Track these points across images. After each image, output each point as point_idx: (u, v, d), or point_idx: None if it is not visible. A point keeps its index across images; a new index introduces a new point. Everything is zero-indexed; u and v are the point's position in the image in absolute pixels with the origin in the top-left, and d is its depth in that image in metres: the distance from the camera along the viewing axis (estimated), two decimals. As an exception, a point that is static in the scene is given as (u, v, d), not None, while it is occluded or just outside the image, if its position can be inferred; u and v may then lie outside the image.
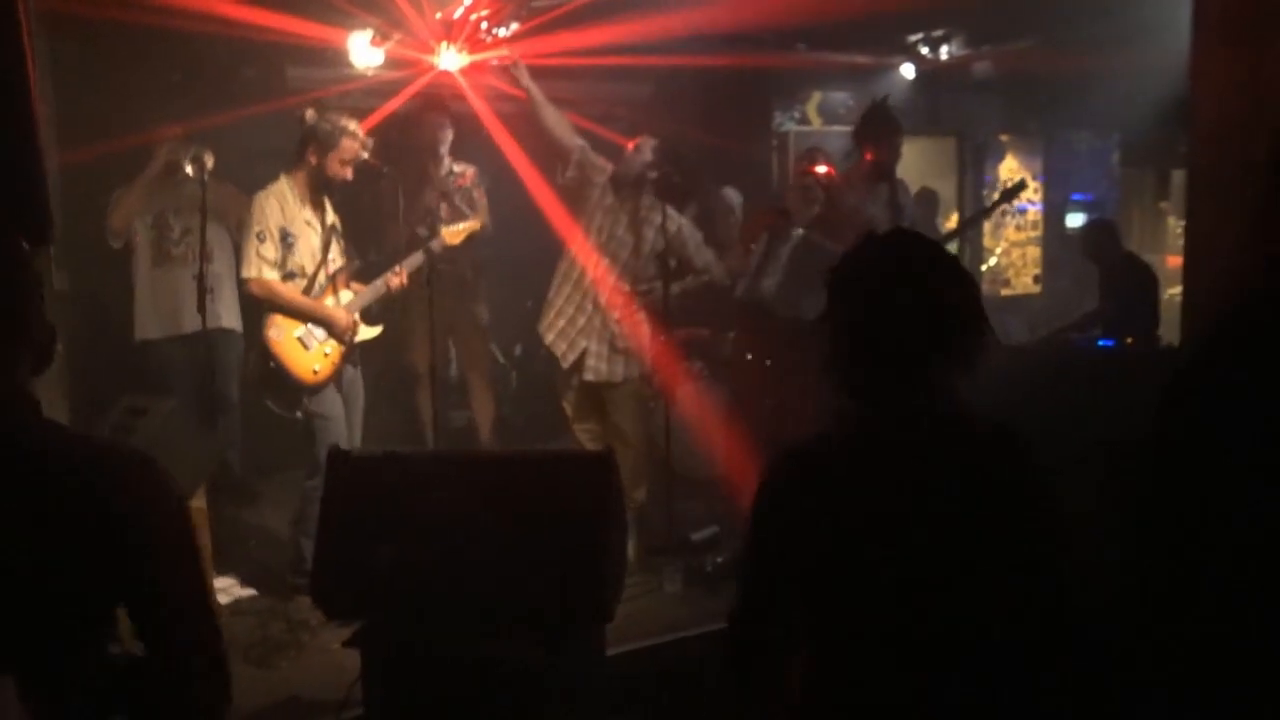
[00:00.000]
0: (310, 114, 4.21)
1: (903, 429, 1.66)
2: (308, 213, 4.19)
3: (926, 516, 1.61)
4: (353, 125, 4.18)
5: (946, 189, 7.93)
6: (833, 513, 1.65)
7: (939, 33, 6.93)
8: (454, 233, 4.68)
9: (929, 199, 7.11)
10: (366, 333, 4.34)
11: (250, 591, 4.27)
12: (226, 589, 4.24)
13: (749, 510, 1.75)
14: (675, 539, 4.56)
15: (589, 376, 4.63)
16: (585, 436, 4.76)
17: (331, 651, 3.62)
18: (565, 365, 4.65)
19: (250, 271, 4.06)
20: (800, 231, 5.06)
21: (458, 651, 2.72)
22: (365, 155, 4.25)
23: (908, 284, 1.65)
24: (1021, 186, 5.44)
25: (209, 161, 4.45)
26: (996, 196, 5.70)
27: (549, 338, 4.68)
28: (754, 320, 5.20)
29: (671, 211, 4.64)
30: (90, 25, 4.90)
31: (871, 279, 1.69)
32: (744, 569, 1.81)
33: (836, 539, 1.65)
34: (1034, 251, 8.51)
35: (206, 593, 1.60)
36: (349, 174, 4.20)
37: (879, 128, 5.07)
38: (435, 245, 4.61)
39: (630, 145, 4.68)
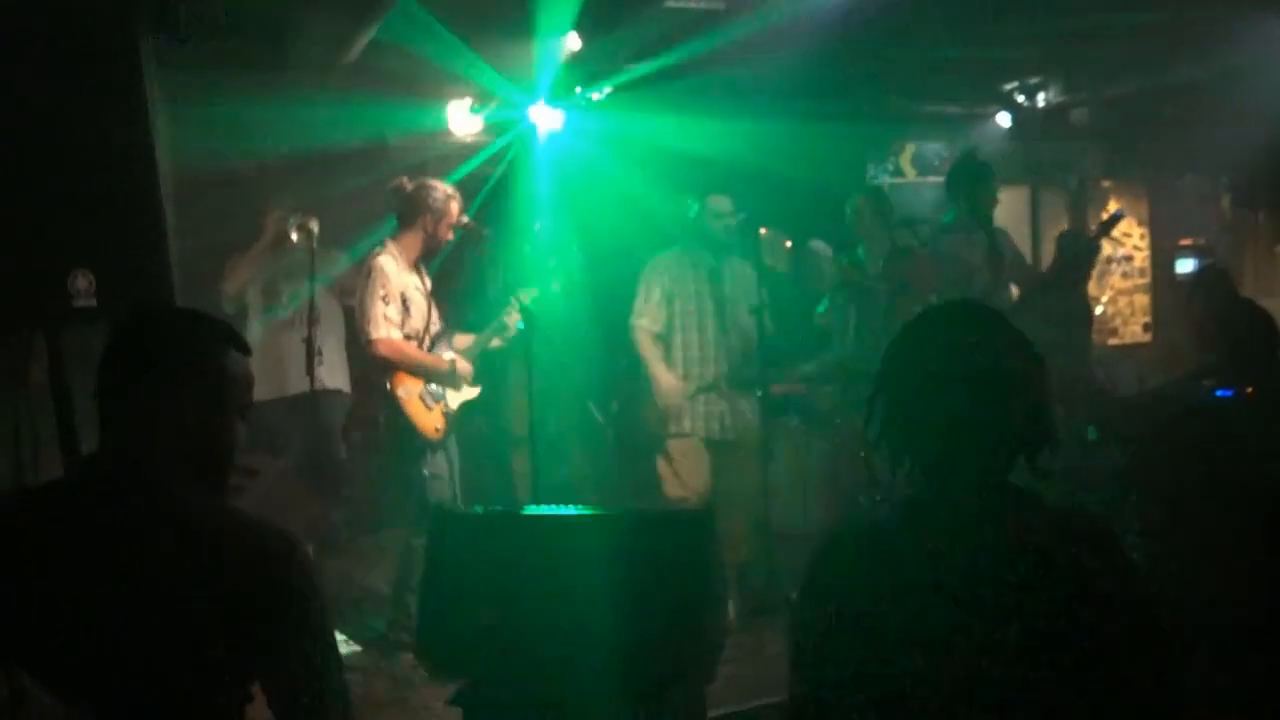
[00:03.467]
0: (407, 184, 4.34)
1: (956, 513, 1.52)
2: (415, 278, 4.33)
3: (984, 607, 1.46)
4: (452, 189, 4.35)
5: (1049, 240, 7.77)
6: (879, 604, 1.50)
7: (1035, 80, 6.83)
8: (524, 295, 4.67)
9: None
10: (467, 393, 4.41)
11: (355, 648, 4.32)
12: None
13: (797, 599, 1.62)
14: (776, 598, 4.48)
15: (729, 436, 4.68)
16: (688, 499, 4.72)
17: (434, 709, 3.63)
18: (712, 435, 4.67)
19: (379, 332, 4.16)
20: (882, 287, 5.06)
21: (558, 712, 2.70)
22: (465, 219, 4.37)
23: (966, 361, 1.53)
24: (1117, 218, 5.31)
25: (315, 228, 4.62)
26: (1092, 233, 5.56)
27: (697, 424, 4.66)
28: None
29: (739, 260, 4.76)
30: (206, 100, 5.15)
31: (928, 355, 1.57)
32: (793, 664, 1.61)
33: (883, 631, 1.49)
34: (1142, 299, 8.25)
35: (340, 668, 1.65)
36: (451, 236, 4.35)
37: (970, 176, 5.02)
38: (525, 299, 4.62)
39: (712, 204, 4.69)
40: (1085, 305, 6.70)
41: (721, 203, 4.71)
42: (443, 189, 4.31)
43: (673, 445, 4.69)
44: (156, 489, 1.56)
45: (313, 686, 1.59)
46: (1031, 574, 1.47)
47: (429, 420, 4.22)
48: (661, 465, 4.75)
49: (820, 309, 5.15)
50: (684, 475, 4.67)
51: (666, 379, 4.69)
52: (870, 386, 1.62)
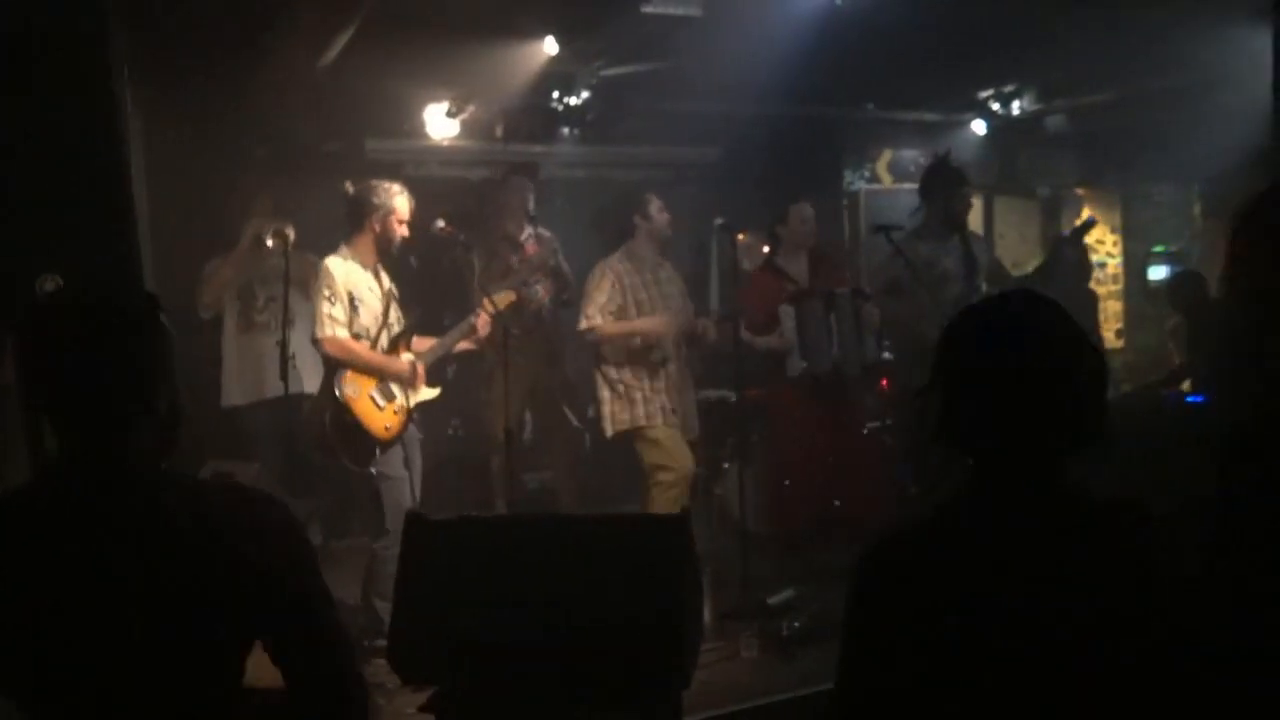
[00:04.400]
0: (351, 187, 4.34)
1: (1027, 512, 1.49)
2: (369, 279, 4.33)
3: (1062, 612, 1.43)
4: (398, 186, 4.34)
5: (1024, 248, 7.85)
6: (948, 610, 1.45)
7: (1010, 88, 6.88)
8: (498, 299, 4.63)
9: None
10: (426, 393, 4.41)
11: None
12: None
13: (845, 609, 1.55)
14: (751, 603, 4.49)
15: (691, 435, 4.92)
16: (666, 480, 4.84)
17: (407, 716, 3.61)
18: (687, 434, 4.88)
19: (324, 331, 4.18)
20: (845, 291, 5.10)
21: (533, 717, 2.70)
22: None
23: (1037, 353, 1.49)
24: (1090, 224, 5.34)
25: (291, 235, 4.64)
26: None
27: (654, 418, 4.82)
28: (807, 387, 5.17)
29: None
30: (182, 105, 5.13)
31: (997, 345, 1.52)
32: (842, 680, 1.55)
33: (953, 641, 1.45)
34: (1115, 305, 8.32)
35: (339, 619, 1.67)
36: (407, 231, 4.35)
37: (944, 181, 5.06)
38: (497, 301, 4.60)
39: (653, 209, 4.88)
40: (1087, 300, 6.76)
41: (656, 201, 4.90)
42: (386, 186, 4.30)
43: (649, 433, 4.84)
44: (139, 474, 1.55)
45: (318, 641, 1.61)
46: (1089, 568, 1.46)
47: (379, 419, 4.21)
48: (646, 450, 4.87)
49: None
50: (671, 454, 4.84)
51: (646, 322, 4.83)
52: (927, 378, 1.58)
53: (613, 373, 4.85)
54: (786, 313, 5.08)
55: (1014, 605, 1.44)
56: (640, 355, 4.83)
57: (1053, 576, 1.45)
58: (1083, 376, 1.50)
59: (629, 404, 4.82)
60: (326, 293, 4.19)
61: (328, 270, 4.22)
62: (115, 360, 1.54)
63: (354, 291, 4.24)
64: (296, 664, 1.59)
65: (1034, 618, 1.44)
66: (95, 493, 1.52)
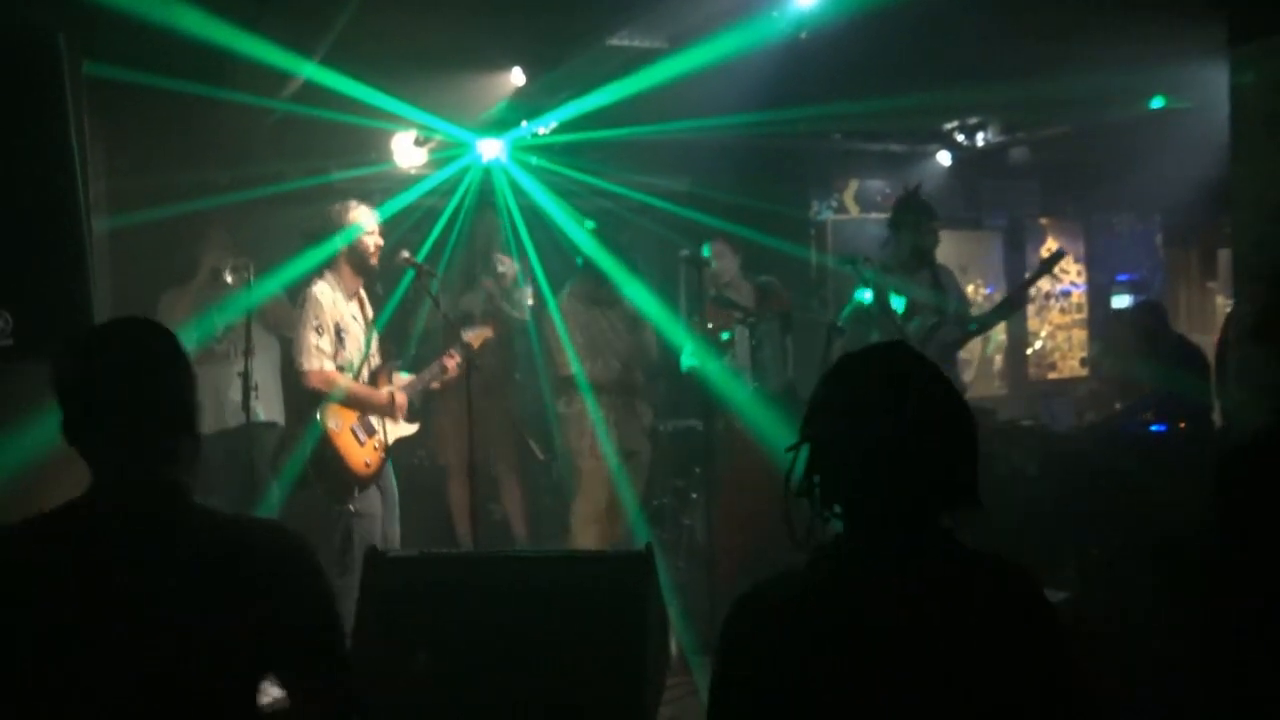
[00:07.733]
0: (314, 220, 4.33)
1: (891, 568, 1.47)
2: (353, 308, 4.30)
3: (920, 669, 1.42)
4: (354, 202, 4.32)
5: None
6: (810, 667, 1.44)
7: (974, 120, 6.96)
8: (473, 336, 4.63)
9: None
10: (404, 429, 4.36)
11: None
12: (264, 689, 4.17)
13: (714, 655, 1.55)
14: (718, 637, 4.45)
15: (627, 446, 5.02)
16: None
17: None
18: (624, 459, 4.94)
19: (311, 364, 4.11)
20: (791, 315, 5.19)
21: (494, 758, 2.65)
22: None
23: (904, 407, 1.46)
24: (1059, 255, 5.36)
25: (250, 271, 4.59)
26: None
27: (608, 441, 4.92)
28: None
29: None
30: (142, 131, 5.07)
31: (864, 399, 1.50)
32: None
33: (804, 687, 1.43)
34: (1080, 334, 8.40)
35: (347, 653, 1.70)
36: (380, 242, 4.31)
37: (913, 214, 5.08)
38: (467, 338, 4.58)
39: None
40: None
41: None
42: (342, 205, 4.28)
43: (585, 464, 4.94)
44: (178, 505, 1.58)
45: (329, 668, 1.64)
46: (951, 625, 1.44)
47: (359, 455, 4.15)
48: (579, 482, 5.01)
49: (726, 335, 5.25)
50: (589, 492, 4.94)
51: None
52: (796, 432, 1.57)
53: None
54: (742, 333, 5.16)
55: (875, 656, 1.43)
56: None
57: (915, 630, 1.43)
58: (955, 433, 1.49)
59: None
60: (314, 323, 4.12)
61: (315, 299, 4.16)
62: (166, 389, 1.59)
63: (339, 322, 4.19)
64: (301, 690, 1.64)
65: (897, 668, 1.42)
66: (142, 522, 1.54)
